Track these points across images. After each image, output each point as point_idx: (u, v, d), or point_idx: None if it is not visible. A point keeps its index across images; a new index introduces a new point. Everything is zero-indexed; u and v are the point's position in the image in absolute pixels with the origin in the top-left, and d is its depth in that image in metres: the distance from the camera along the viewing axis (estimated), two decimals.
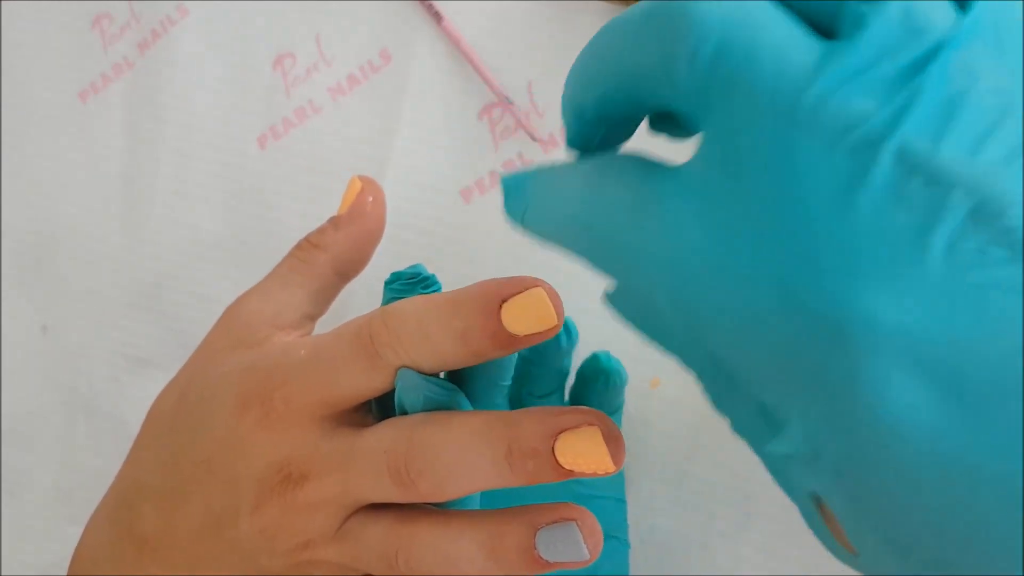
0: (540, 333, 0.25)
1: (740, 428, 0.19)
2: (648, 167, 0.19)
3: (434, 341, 0.26)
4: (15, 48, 0.47)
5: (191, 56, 0.43)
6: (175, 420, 0.31)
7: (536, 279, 0.25)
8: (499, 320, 0.25)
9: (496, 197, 0.39)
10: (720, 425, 0.38)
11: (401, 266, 0.31)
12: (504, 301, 0.25)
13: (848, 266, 0.15)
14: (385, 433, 0.27)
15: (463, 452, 0.25)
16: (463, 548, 0.26)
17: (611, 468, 0.24)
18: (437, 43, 0.40)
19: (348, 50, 0.41)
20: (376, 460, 0.26)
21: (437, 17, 0.40)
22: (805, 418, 0.16)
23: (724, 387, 0.19)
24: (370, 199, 0.34)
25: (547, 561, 0.25)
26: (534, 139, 0.38)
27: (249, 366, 0.30)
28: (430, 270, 0.32)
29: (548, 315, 0.25)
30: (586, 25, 0.38)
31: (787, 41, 0.16)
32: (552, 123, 0.39)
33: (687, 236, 0.17)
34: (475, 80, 0.39)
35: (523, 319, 0.25)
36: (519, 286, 0.25)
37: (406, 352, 0.26)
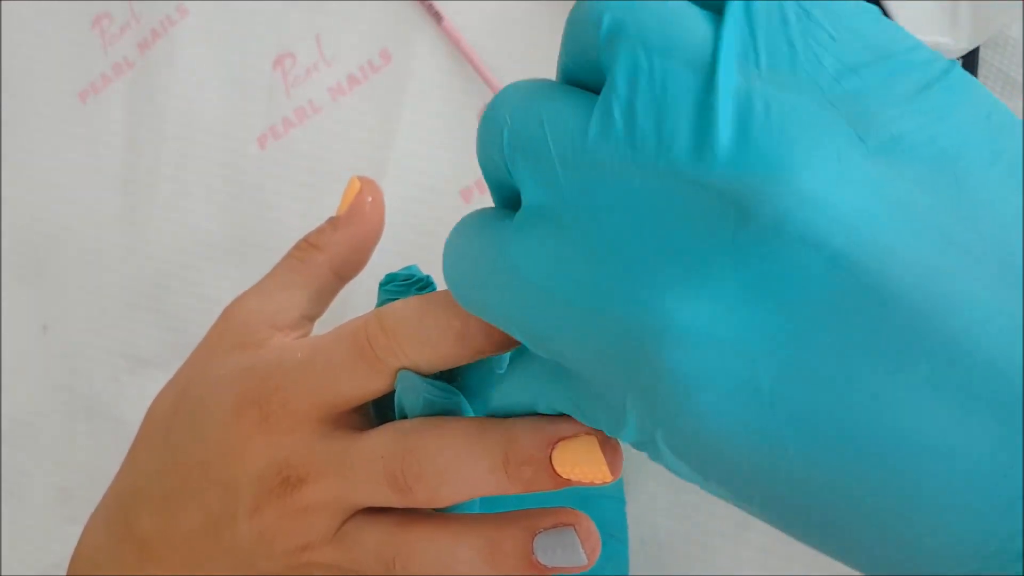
0: None
1: (601, 426, 0.21)
2: (493, 219, 0.21)
3: (432, 342, 0.26)
4: (15, 48, 0.47)
5: (191, 56, 0.43)
6: (173, 422, 0.31)
7: None
8: None
9: None
10: None
11: (401, 266, 0.31)
12: None
13: (650, 279, 0.17)
14: (382, 438, 0.27)
15: (459, 459, 0.25)
16: (460, 553, 0.26)
17: (608, 477, 0.24)
18: (437, 43, 0.40)
19: (348, 50, 0.41)
20: (373, 466, 0.26)
21: (437, 17, 0.40)
22: (635, 413, 0.18)
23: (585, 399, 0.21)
24: (369, 199, 0.33)
25: (545, 566, 0.25)
26: None
27: (247, 368, 0.30)
28: (429, 270, 0.32)
29: None
30: None
31: (564, 108, 0.19)
32: None
33: (524, 274, 0.19)
34: (475, 80, 0.39)
35: None
36: None
37: (404, 354, 0.26)
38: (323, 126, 0.42)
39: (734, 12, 0.17)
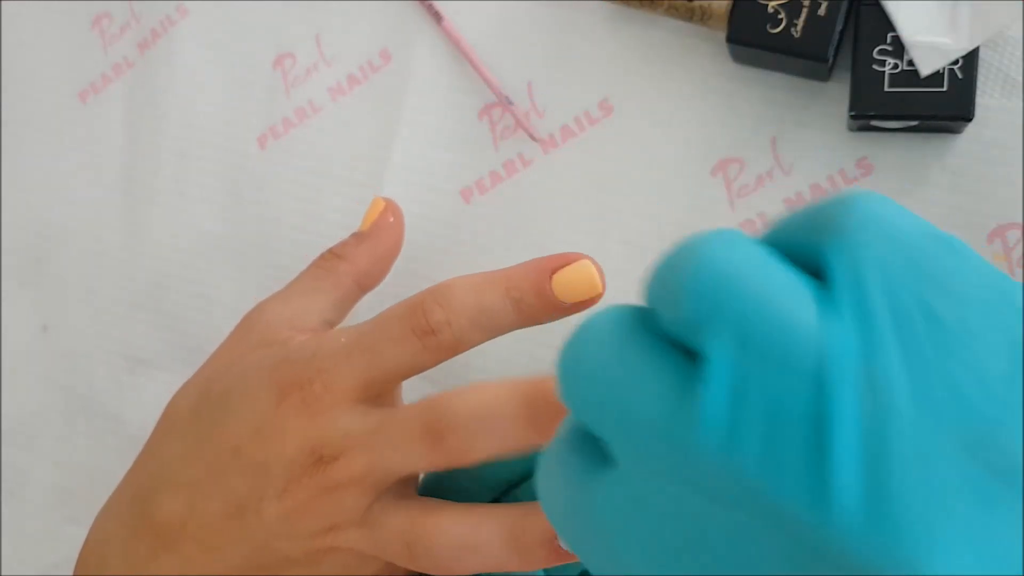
0: (586, 301, 0.29)
1: None
2: (583, 468, 0.19)
3: (490, 312, 0.28)
4: (15, 48, 0.47)
5: (191, 56, 0.43)
6: (198, 412, 0.32)
7: (582, 254, 0.29)
8: (551, 288, 0.28)
9: (495, 196, 0.39)
10: None
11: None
12: (554, 272, 0.29)
13: None
14: (420, 403, 0.28)
15: (490, 411, 0.27)
16: (484, 537, 0.27)
17: None
18: (437, 43, 0.40)
19: (348, 50, 0.41)
20: (410, 424, 0.28)
21: (437, 17, 0.40)
22: None
23: None
24: (391, 219, 0.36)
25: (569, 553, 0.26)
26: (534, 139, 0.38)
27: (283, 357, 0.31)
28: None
29: (593, 285, 0.29)
30: (586, 25, 0.38)
31: (656, 387, 0.16)
32: (552, 123, 0.39)
33: (615, 544, 0.17)
34: (475, 80, 0.39)
35: (572, 288, 0.29)
36: (568, 259, 0.29)
37: (460, 327, 0.29)
38: (323, 126, 0.42)
39: (851, 307, 0.14)
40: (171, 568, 0.30)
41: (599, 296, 0.29)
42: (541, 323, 0.29)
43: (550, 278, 0.29)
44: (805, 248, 0.16)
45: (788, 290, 0.15)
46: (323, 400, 0.29)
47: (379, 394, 0.30)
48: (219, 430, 0.30)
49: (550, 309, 0.29)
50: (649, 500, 0.17)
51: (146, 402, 0.44)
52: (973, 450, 0.14)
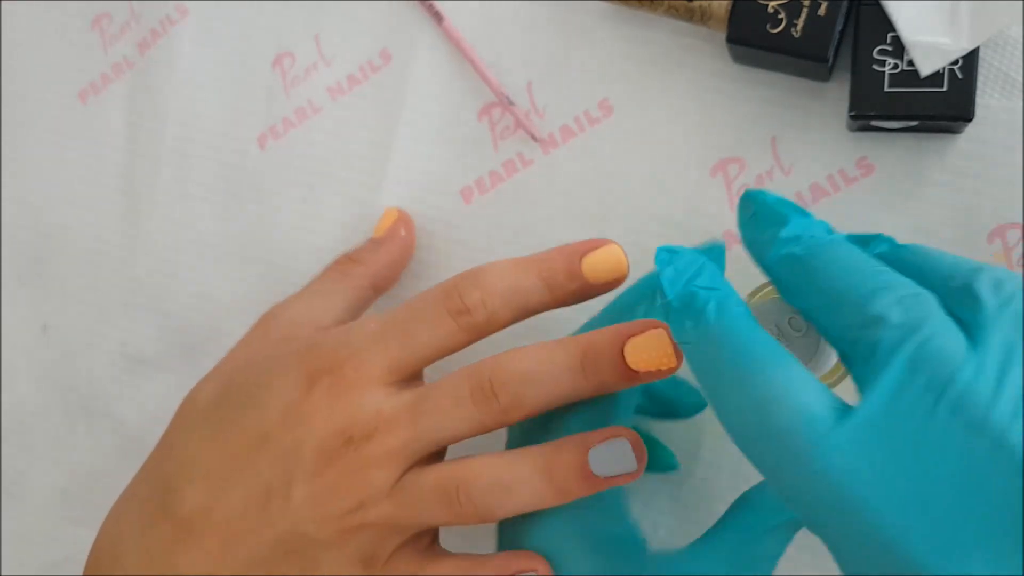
0: (611, 282, 0.31)
1: None
2: (812, 414, 0.21)
3: (523, 291, 0.30)
4: (15, 48, 0.47)
5: (191, 56, 0.43)
6: (220, 405, 0.32)
7: (608, 239, 0.31)
8: (581, 270, 0.30)
9: (495, 196, 0.39)
10: (720, 425, 0.38)
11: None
12: (584, 255, 0.31)
13: (953, 537, 0.19)
14: (464, 368, 0.30)
15: (540, 364, 0.29)
16: (519, 473, 0.29)
17: (673, 364, 0.28)
18: (437, 43, 0.40)
19: (348, 50, 0.41)
20: (458, 390, 0.29)
21: (437, 17, 0.40)
22: None
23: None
24: (402, 232, 0.38)
25: (599, 476, 0.28)
26: (534, 139, 0.38)
27: (311, 345, 0.31)
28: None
29: (620, 266, 0.31)
30: (586, 25, 0.38)
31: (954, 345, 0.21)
32: (552, 123, 0.39)
33: (853, 482, 0.20)
34: (475, 80, 0.39)
35: (601, 268, 0.31)
36: (597, 243, 0.31)
37: (494, 308, 0.30)
38: (323, 126, 0.42)
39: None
40: (192, 561, 0.30)
41: (624, 277, 0.31)
42: (568, 304, 0.31)
43: (580, 260, 0.30)
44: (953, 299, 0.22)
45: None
46: (354, 383, 0.30)
47: (409, 377, 0.31)
48: (244, 420, 0.31)
49: (580, 289, 0.31)
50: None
51: (146, 402, 0.44)
52: None
